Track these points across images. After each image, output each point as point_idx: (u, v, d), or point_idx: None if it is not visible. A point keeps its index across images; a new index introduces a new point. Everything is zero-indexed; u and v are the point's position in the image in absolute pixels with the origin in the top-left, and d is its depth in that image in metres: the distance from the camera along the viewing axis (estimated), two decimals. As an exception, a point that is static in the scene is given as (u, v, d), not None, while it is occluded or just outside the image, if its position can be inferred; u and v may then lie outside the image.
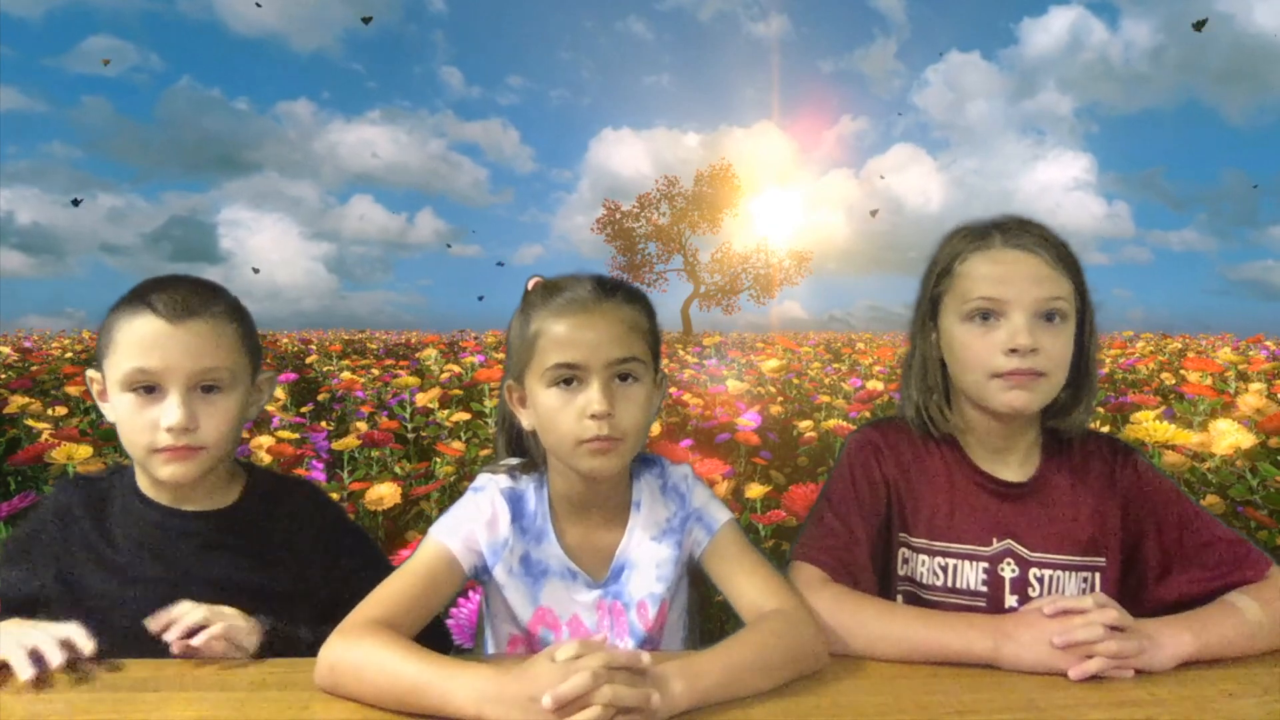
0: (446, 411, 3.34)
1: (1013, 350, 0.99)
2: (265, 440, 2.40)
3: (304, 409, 3.82)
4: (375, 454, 2.76)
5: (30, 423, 3.04)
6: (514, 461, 1.08)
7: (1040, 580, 1.05)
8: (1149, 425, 2.00)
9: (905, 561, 1.08)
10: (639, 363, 0.98)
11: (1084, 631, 0.87)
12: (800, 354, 6.73)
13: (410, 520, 2.38)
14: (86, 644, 0.89)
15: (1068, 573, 1.05)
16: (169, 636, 0.90)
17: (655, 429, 2.62)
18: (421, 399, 3.43)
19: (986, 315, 1.02)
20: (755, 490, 2.04)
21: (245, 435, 2.44)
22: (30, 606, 0.98)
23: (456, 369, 4.94)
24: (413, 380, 3.79)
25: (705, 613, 1.49)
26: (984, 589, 1.05)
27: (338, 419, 4.06)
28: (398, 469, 2.75)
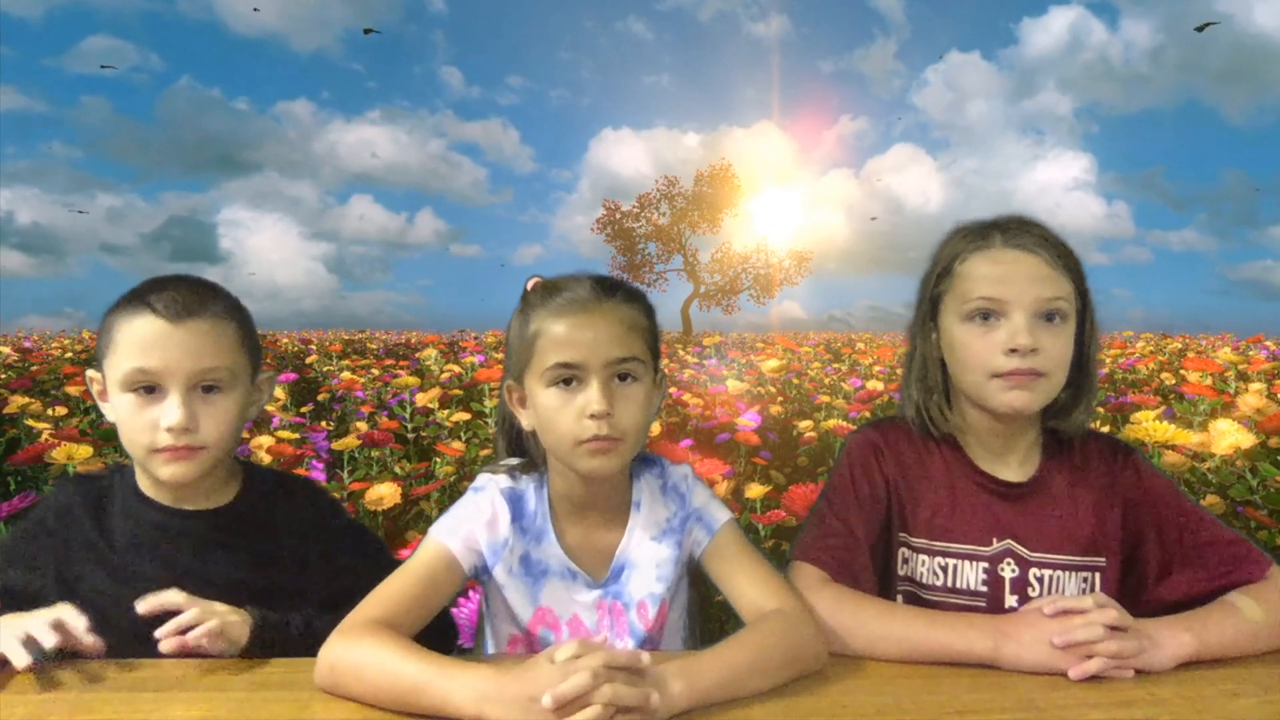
0: (446, 411, 3.34)
1: (1013, 350, 0.99)
2: (265, 440, 2.39)
3: (304, 409, 3.82)
4: (375, 454, 2.76)
5: (30, 423, 3.04)
6: (514, 461, 1.08)
7: (1040, 580, 1.05)
8: (1149, 425, 2.00)
9: (905, 561, 1.08)
10: (638, 362, 0.98)
11: (1084, 631, 0.87)
12: (800, 354, 6.73)
13: (410, 520, 2.38)
14: (79, 621, 0.89)
15: (1068, 573, 1.05)
16: (160, 633, 0.90)
17: (655, 429, 2.62)
18: (421, 399, 3.43)
19: (987, 315, 1.02)
20: (755, 490, 2.04)
21: (245, 435, 2.44)
22: (30, 605, 0.98)
23: (456, 369, 4.94)
24: (413, 380, 3.78)
25: (705, 613, 1.49)
26: (984, 589, 1.05)
27: (338, 419, 4.06)
28: (398, 469, 2.75)
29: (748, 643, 0.88)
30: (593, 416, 0.94)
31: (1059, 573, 1.05)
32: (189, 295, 1.00)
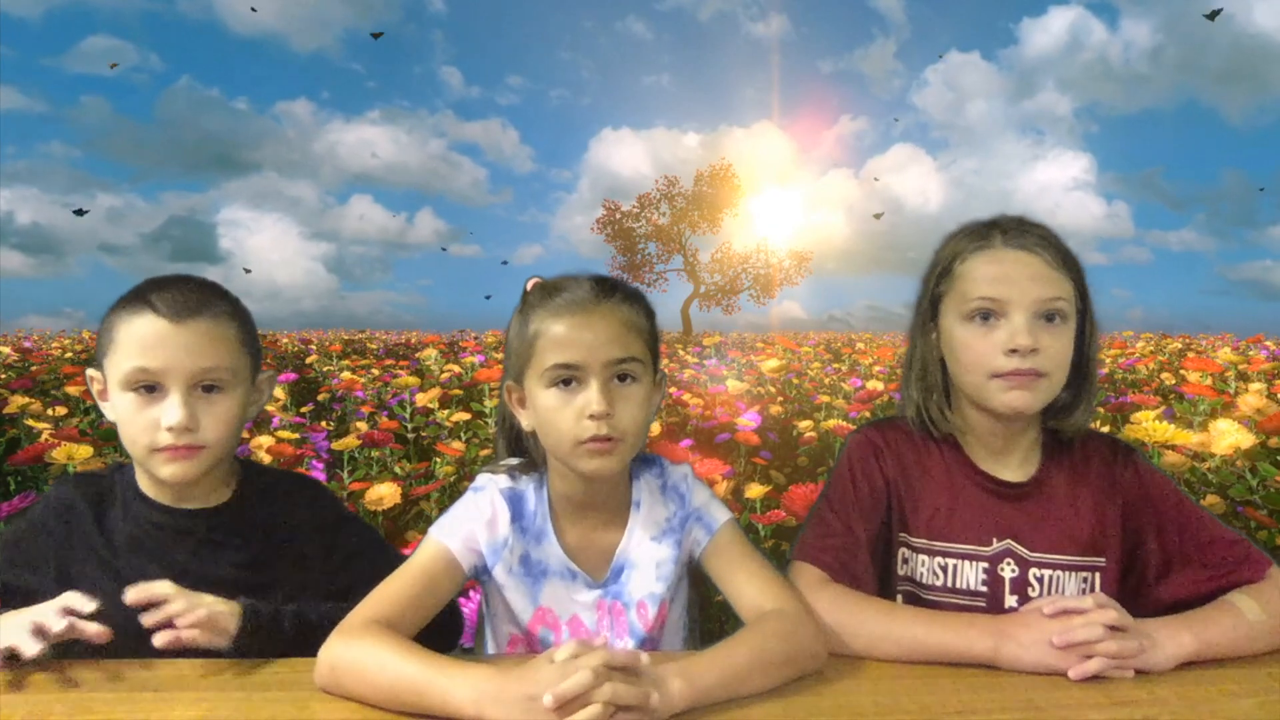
0: (446, 411, 3.34)
1: (1013, 350, 0.99)
2: (265, 440, 2.39)
3: (304, 409, 3.82)
4: (375, 454, 2.76)
5: (30, 423, 3.04)
6: (514, 461, 1.08)
7: (1040, 580, 1.05)
8: (1149, 425, 2.00)
9: (905, 561, 1.08)
10: (638, 363, 0.98)
11: (1084, 631, 0.87)
12: (800, 354, 6.72)
13: (410, 520, 2.38)
14: (86, 605, 0.89)
15: (1068, 573, 1.05)
16: (146, 621, 0.89)
17: (655, 429, 2.62)
18: (421, 399, 3.43)
19: (987, 315, 1.02)
20: (755, 490, 2.04)
21: (245, 435, 2.44)
22: (29, 604, 0.98)
23: (456, 369, 4.94)
24: (413, 380, 3.79)
25: (705, 613, 1.49)
26: (984, 589, 1.05)
27: (338, 419, 4.06)
28: (398, 469, 2.75)
29: (747, 642, 0.88)
30: (592, 417, 0.94)
31: (1059, 573, 1.05)
32: (190, 295, 1.00)
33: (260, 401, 1.10)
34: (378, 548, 1.13)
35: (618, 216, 30.98)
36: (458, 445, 2.81)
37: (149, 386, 0.98)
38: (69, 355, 7.49)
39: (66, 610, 0.88)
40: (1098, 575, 1.06)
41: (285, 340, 11.45)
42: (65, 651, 0.89)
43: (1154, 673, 0.89)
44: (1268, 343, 8.33)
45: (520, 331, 0.99)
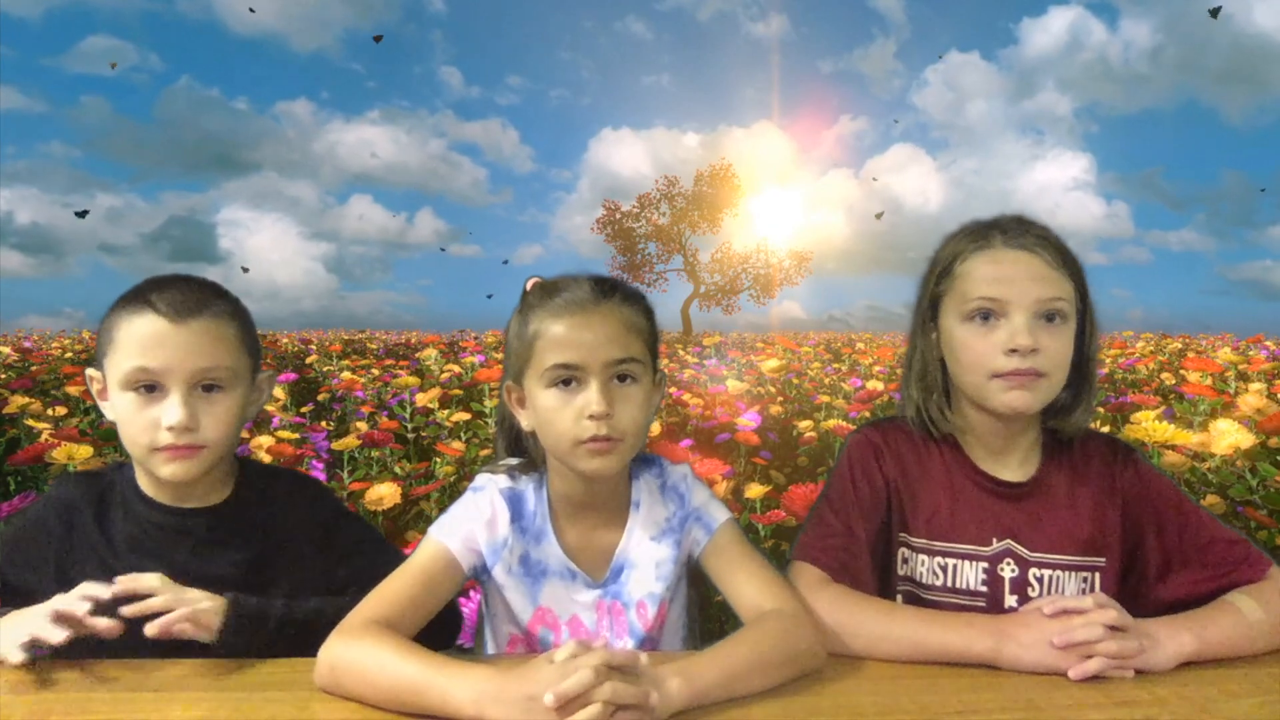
0: (446, 411, 3.34)
1: (1013, 350, 0.99)
2: (265, 440, 2.39)
3: (304, 409, 3.82)
4: (375, 454, 2.76)
5: (30, 423, 3.04)
6: (514, 461, 1.08)
7: (1040, 580, 1.05)
8: (1149, 425, 2.00)
9: (905, 561, 1.08)
10: (637, 363, 0.98)
11: (1084, 631, 0.87)
12: (800, 354, 6.72)
13: (410, 520, 2.38)
14: (104, 592, 0.89)
15: (1067, 573, 1.05)
16: (126, 611, 0.89)
17: (655, 429, 2.62)
18: (421, 399, 3.43)
19: (987, 315, 1.02)
20: (755, 490, 2.04)
21: (245, 435, 2.44)
22: (30, 603, 0.98)
23: (456, 369, 4.94)
24: (413, 380, 3.78)
25: (705, 613, 1.49)
26: (984, 589, 1.05)
27: (338, 419, 4.06)
28: (398, 469, 2.75)
29: (746, 642, 0.88)
30: (592, 417, 0.94)
31: (1059, 573, 1.05)
32: (190, 295, 1.00)
33: (260, 401, 1.10)
34: (377, 546, 1.13)
35: (618, 216, 30.98)
36: (458, 445, 2.81)
37: (149, 386, 0.98)
38: (69, 355, 7.49)
39: (59, 617, 0.88)
40: (1098, 575, 1.06)
41: (285, 340, 11.44)
42: (70, 649, 0.89)
43: (1154, 673, 0.89)
44: (1268, 343, 8.33)
45: (520, 332, 0.99)
